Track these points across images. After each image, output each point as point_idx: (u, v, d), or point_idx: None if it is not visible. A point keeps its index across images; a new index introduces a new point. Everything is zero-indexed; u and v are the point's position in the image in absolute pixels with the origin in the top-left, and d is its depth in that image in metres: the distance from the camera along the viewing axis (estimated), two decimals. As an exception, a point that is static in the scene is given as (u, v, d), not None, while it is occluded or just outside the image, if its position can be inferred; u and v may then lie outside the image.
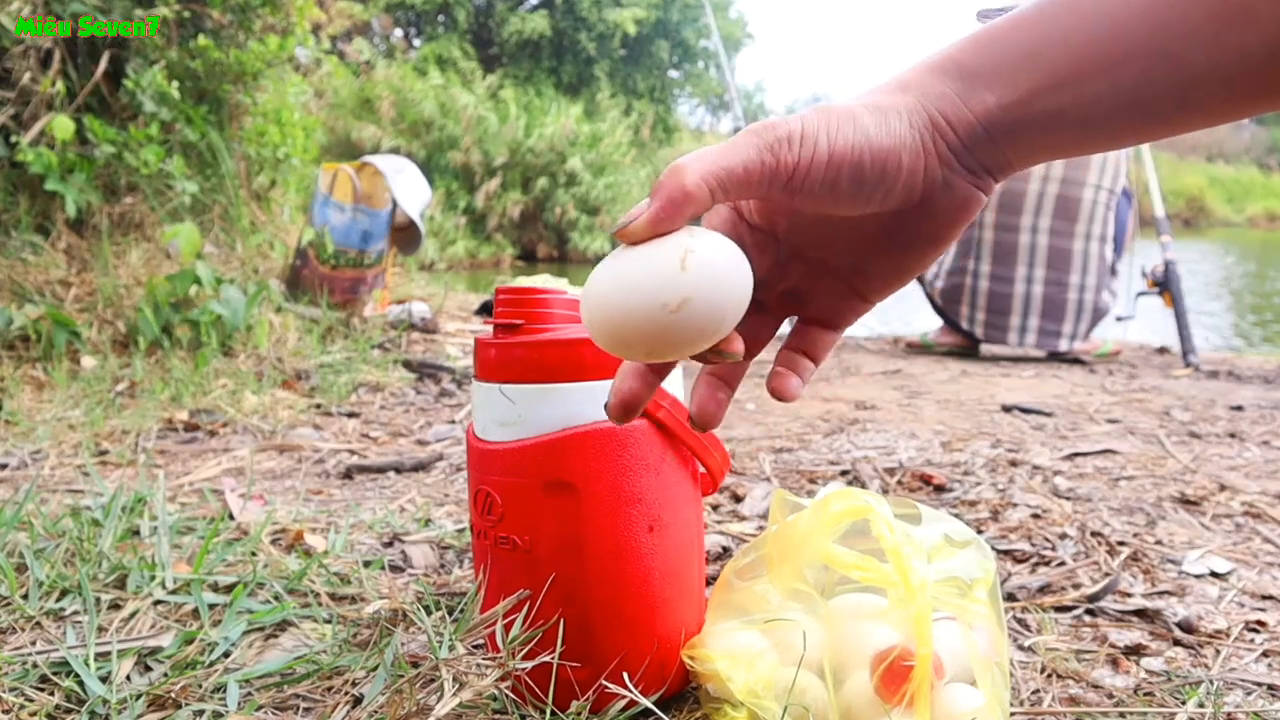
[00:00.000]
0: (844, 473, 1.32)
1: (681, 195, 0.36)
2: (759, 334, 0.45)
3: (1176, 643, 0.78)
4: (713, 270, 0.36)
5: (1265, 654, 0.76)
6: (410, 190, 2.65)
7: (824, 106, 0.38)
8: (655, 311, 0.36)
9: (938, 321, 2.91)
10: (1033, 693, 0.70)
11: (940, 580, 0.59)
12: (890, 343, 3.20)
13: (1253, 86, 0.33)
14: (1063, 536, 1.03)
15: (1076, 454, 1.46)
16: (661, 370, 0.43)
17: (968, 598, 0.60)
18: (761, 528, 1.07)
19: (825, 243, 0.42)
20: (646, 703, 0.61)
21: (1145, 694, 0.69)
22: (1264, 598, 0.88)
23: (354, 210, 2.53)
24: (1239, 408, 1.92)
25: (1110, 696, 0.69)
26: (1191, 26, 0.32)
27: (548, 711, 0.62)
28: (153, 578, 0.86)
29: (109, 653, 0.72)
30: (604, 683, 0.62)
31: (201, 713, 0.64)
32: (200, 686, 0.67)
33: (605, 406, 0.43)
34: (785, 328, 0.47)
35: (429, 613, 0.80)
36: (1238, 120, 0.35)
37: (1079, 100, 0.35)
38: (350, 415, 1.78)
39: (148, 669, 0.72)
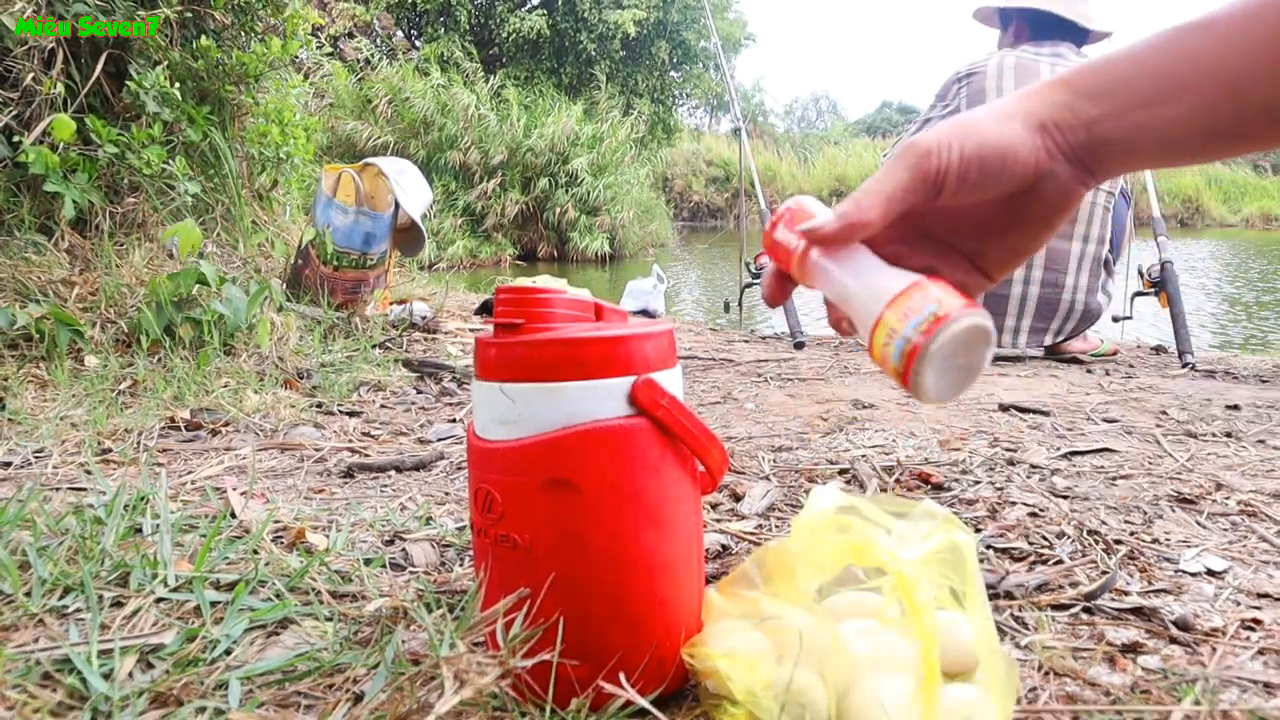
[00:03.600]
0: (842, 471, 1.33)
1: (861, 225, 0.48)
2: None
3: (1173, 640, 0.79)
4: None
5: (1261, 652, 0.77)
6: (413, 192, 2.65)
7: (955, 119, 0.48)
8: None
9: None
10: (1030, 690, 0.70)
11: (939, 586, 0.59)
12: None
13: None
14: (1060, 535, 1.03)
15: (1074, 453, 1.47)
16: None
17: (966, 599, 0.60)
18: (760, 526, 1.08)
19: (952, 227, 0.52)
20: (643, 702, 0.61)
21: (1142, 691, 0.70)
22: (1260, 596, 0.89)
23: (356, 213, 2.53)
24: (1235, 407, 1.93)
25: (1107, 694, 0.69)
26: (1254, 71, 0.41)
27: (547, 709, 0.62)
28: (155, 575, 0.86)
29: (111, 650, 0.72)
30: (601, 683, 0.63)
31: (203, 710, 0.65)
32: (202, 684, 0.68)
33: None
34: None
35: (430, 610, 0.80)
36: None
37: (1159, 118, 0.44)
38: (351, 414, 1.78)
39: (150, 666, 0.72)
